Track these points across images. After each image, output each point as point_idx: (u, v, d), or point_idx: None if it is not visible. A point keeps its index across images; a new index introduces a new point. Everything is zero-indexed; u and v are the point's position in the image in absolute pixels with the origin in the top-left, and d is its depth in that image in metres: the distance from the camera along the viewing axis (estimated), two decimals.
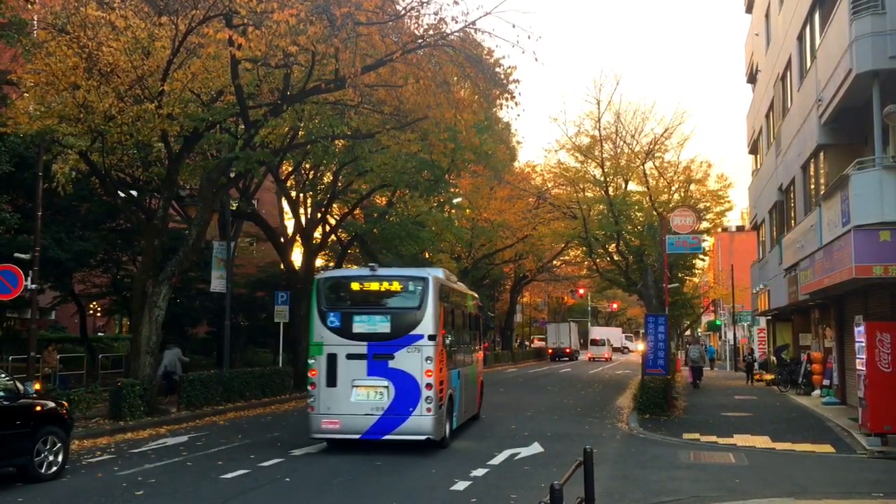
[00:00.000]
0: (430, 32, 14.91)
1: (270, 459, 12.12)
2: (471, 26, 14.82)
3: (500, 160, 34.70)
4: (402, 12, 14.98)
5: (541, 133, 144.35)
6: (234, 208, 25.28)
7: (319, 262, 32.08)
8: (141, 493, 9.75)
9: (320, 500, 9.57)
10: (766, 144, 29.25)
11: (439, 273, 14.45)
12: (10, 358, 22.02)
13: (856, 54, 15.01)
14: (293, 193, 28.12)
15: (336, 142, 21.60)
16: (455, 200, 35.96)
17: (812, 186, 20.80)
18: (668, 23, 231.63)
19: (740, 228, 56.71)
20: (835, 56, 16.56)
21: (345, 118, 19.02)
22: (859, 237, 14.24)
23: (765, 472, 11.52)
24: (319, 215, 28.15)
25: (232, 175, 20.31)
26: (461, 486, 10.27)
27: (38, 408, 10.93)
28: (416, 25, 15.10)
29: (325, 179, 28.23)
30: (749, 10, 33.85)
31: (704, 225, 31.79)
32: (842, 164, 16.68)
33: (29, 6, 18.53)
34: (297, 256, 29.13)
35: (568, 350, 59.85)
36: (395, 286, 13.51)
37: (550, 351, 60.03)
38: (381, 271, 13.93)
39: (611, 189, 29.21)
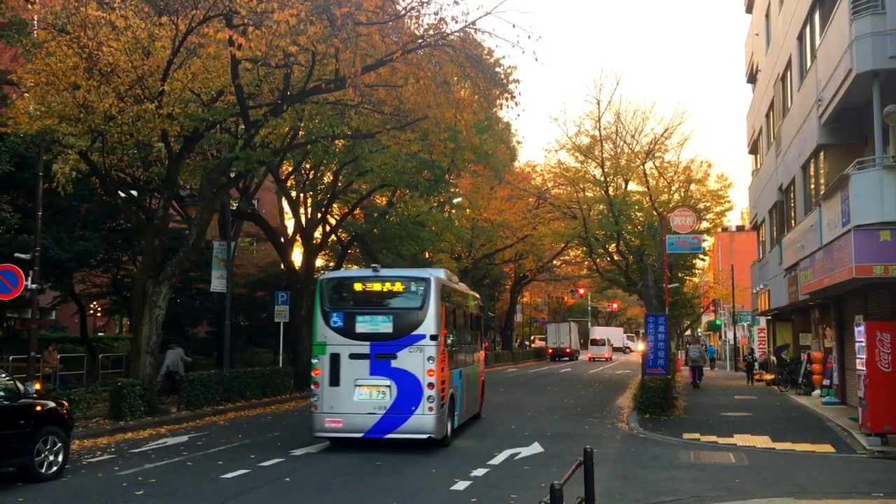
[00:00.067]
0: (431, 32, 14.92)
1: (271, 459, 12.13)
2: (471, 26, 14.83)
3: (500, 160, 34.69)
4: (403, 12, 14.99)
5: (541, 133, 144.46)
6: (234, 208, 25.30)
7: (319, 262, 32.11)
8: (141, 492, 9.76)
9: (320, 500, 9.57)
10: (766, 144, 29.25)
11: (441, 273, 14.53)
12: (11, 358, 22.03)
13: (856, 54, 15.01)
14: (293, 193, 28.13)
15: (336, 142, 21.60)
16: (455, 200, 35.97)
17: (812, 186, 20.80)
18: (668, 23, 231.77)
19: (740, 228, 56.71)
20: (835, 56, 16.56)
21: (345, 118, 19.02)
22: (859, 237, 14.24)
23: (765, 472, 11.52)
24: (319, 215, 28.16)
25: (232, 175, 20.32)
26: (461, 485, 10.28)
27: (39, 408, 10.93)
28: (416, 25, 15.11)
29: (326, 179, 28.24)
30: (749, 10, 33.85)
31: (704, 225, 31.80)
32: (842, 164, 16.68)
33: (29, 6, 18.53)
34: (297, 256, 29.15)
35: (568, 350, 59.85)
36: (398, 287, 13.63)
37: (550, 351, 60.03)
38: (384, 272, 14.04)
39: (611, 189, 29.21)
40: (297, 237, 28.22)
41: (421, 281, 13.46)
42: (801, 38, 21.68)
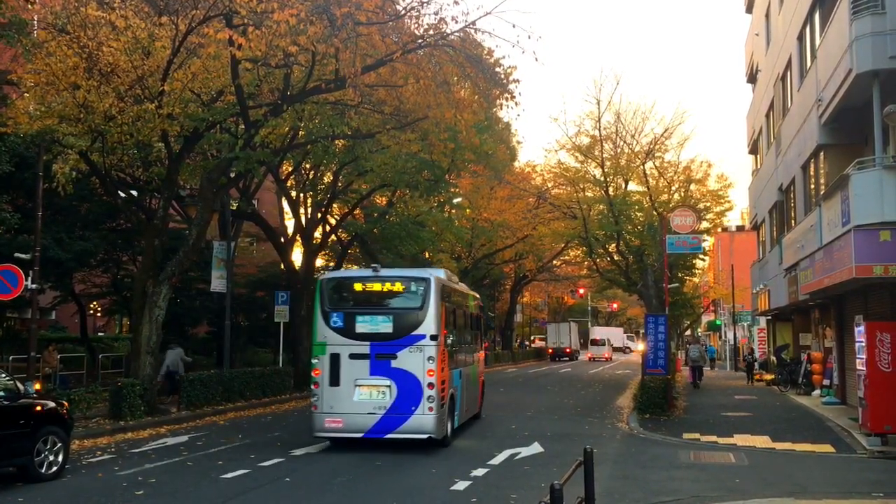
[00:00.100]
0: (431, 32, 14.92)
1: (271, 459, 12.13)
2: (471, 26, 14.83)
3: (500, 160, 34.69)
4: (403, 12, 14.99)
5: (541, 133, 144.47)
6: (234, 208, 25.29)
7: (319, 262, 32.11)
8: (141, 492, 9.76)
9: (321, 500, 9.57)
10: (766, 144, 29.25)
11: (441, 274, 14.55)
12: (11, 358, 22.03)
13: (856, 54, 15.01)
14: (293, 193, 28.13)
15: (336, 142, 21.60)
16: (455, 200, 35.97)
17: (812, 186, 20.80)
18: (668, 23, 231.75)
19: (740, 228, 56.71)
20: (835, 56, 16.56)
21: (345, 118, 19.02)
22: (859, 237, 14.24)
23: (765, 472, 11.52)
24: (319, 215, 28.16)
25: (232, 175, 20.32)
26: (461, 485, 10.28)
27: (39, 408, 10.93)
28: (416, 25, 15.11)
29: (326, 179, 28.24)
30: (749, 10, 33.84)
31: (704, 225, 31.80)
32: (842, 164, 16.69)
33: (29, 6, 18.52)
34: (297, 256, 29.15)
35: (568, 350, 59.85)
36: (398, 287, 13.65)
37: (550, 351, 60.03)
38: (384, 272, 14.05)
39: (611, 189, 29.20)
40: (297, 237, 28.22)
41: (421, 281, 13.48)
42: (801, 38, 21.68)
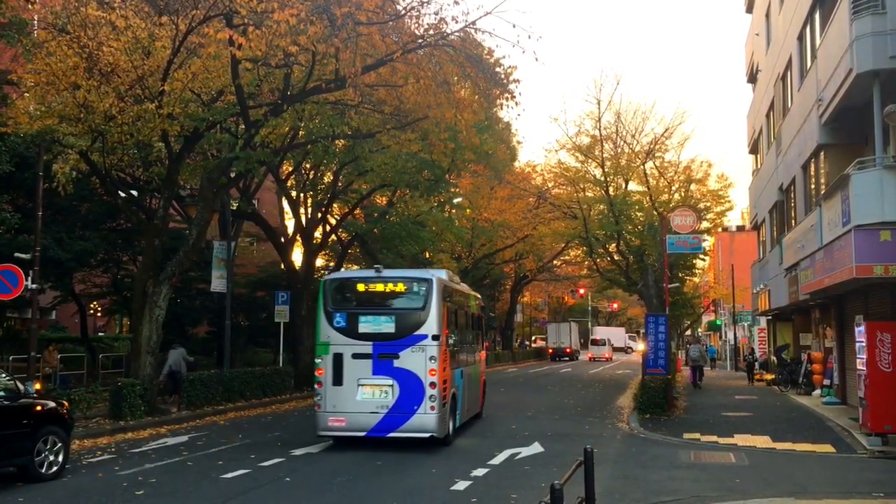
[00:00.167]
0: (431, 32, 14.92)
1: (271, 459, 12.13)
2: (471, 26, 14.83)
3: (500, 160, 34.68)
4: (403, 12, 14.99)
5: (541, 133, 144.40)
6: (234, 208, 25.30)
7: (320, 262, 32.10)
8: (141, 492, 9.76)
9: (321, 500, 9.57)
10: (767, 144, 29.25)
11: (443, 274, 14.69)
12: (11, 358, 22.03)
13: (856, 54, 15.01)
14: (293, 193, 28.13)
15: (336, 141, 21.60)
16: (455, 200, 35.96)
17: (812, 186, 20.80)
18: (668, 23, 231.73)
19: (740, 228, 56.71)
20: (835, 56, 16.56)
21: (345, 118, 19.02)
22: (860, 237, 14.23)
23: (765, 472, 11.51)
24: (320, 215, 28.16)
25: (232, 175, 20.32)
26: (462, 485, 10.27)
27: (39, 408, 10.93)
28: (416, 25, 15.12)
29: (326, 179, 28.24)
30: (749, 9, 33.84)
31: (705, 225, 31.78)
32: (842, 164, 16.68)
33: (29, 6, 18.51)
34: (297, 256, 29.15)
35: (568, 350, 59.85)
36: (400, 287, 13.77)
37: (551, 351, 60.03)
38: (386, 273, 14.16)
39: (611, 189, 29.19)
40: (298, 237, 28.22)
41: (423, 282, 13.61)
42: (801, 37, 21.67)
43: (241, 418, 18.10)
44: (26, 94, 17.98)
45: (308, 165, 26.94)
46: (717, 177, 32.12)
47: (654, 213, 27.74)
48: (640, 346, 49.84)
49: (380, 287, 13.77)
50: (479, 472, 11.21)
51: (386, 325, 13.28)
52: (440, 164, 23.49)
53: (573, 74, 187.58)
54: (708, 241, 36.05)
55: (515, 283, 53.20)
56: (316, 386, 13.44)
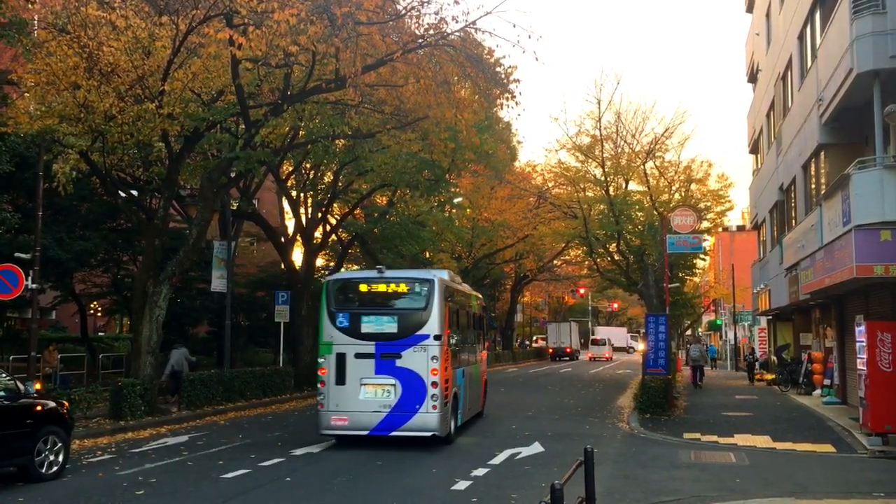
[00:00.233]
0: (431, 32, 14.92)
1: (271, 459, 12.13)
2: (471, 26, 14.83)
3: (500, 160, 34.69)
4: (403, 12, 14.99)
5: (541, 133, 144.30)
6: (234, 208, 25.30)
7: (320, 261, 32.11)
8: (142, 492, 9.76)
9: (321, 500, 9.56)
10: (767, 144, 29.25)
11: (444, 275, 14.79)
12: (11, 358, 22.03)
13: (856, 54, 15.00)
14: (294, 193, 28.13)
15: (336, 141, 21.60)
16: (455, 200, 35.96)
17: (813, 186, 20.79)
18: (668, 23, 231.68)
19: (741, 228, 56.69)
20: (835, 55, 16.55)
21: (345, 118, 19.02)
22: (860, 237, 14.23)
23: (765, 472, 11.51)
24: (320, 215, 28.15)
25: (232, 175, 20.32)
26: (462, 485, 10.27)
27: (39, 407, 10.93)
28: (416, 25, 15.12)
29: (326, 179, 28.24)
30: (750, 9, 33.83)
31: (705, 224, 31.76)
32: (842, 164, 16.68)
33: (29, 6, 18.52)
34: (297, 256, 29.15)
35: (569, 350, 59.86)
36: (402, 288, 13.86)
37: (551, 351, 60.04)
38: (389, 273, 14.25)
39: (611, 189, 29.19)
40: (298, 237, 28.23)
41: (425, 282, 13.70)
42: (801, 37, 21.67)
43: (241, 418, 18.10)
44: (26, 94, 17.98)
45: (308, 165, 26.94)
46: (717, 177, 32.14)
47: (655, 212, 27.73)
48: (642, 346, 49.85)
49: (382, 287, 13.86)
50: (480, 471, 11.21)
51: (388, 325, 13.40)
52: (440, 164, 23.49)
53: (573, 74, 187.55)
54: (708, 241, 36.04)
55: (516, 283, 53.21)
56: (319, 385, 13.54)
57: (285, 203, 29.68)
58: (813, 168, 20.69)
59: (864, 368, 13.53)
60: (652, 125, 30.84)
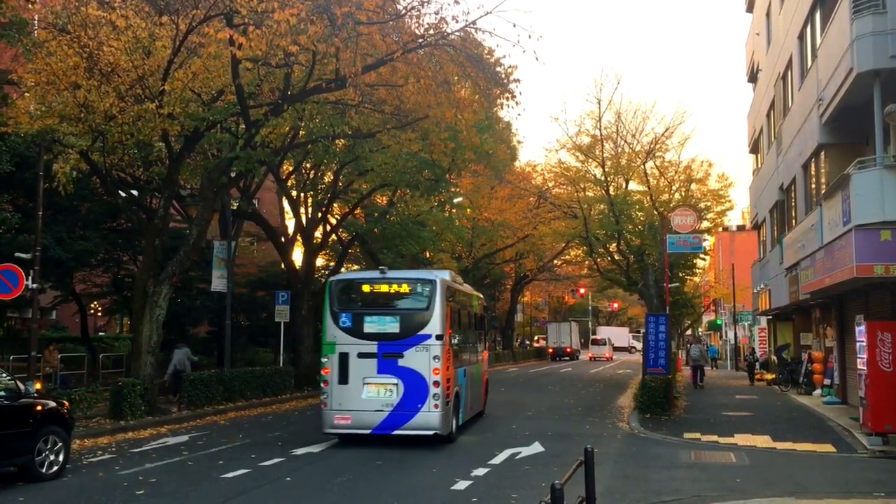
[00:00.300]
0: (431, 32, 14.92)
1: (271, 459, 12.14)
2: (471, 26, 14.83)
3: (500, 160, 34.70)
4: (403, 12, 14.99)
5: (541, 132, 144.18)
6: (234, 208, 25.29)
7: (320, 261, 32.11)
8: (142, 492, 9.76)
9: (321, 500, 9.56)
10: (767, 144, 29.24)
11: (446, 275, 14.92)
12: (11, 357, 22.02)
13: (857, 53, 15.01)
14: (294, 193, 28.14)
15: (337, 141, 21.61)
16: (456, 200, 35.96)
17: (813, 186, 20.79)
18: (668, 23, 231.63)
19: (741, 228, 56.69)
20: (836, 55, 16.55)
21: (345, 118, 19.03)
22: (860, 236, 14.23)
23: (766, 472, 11.51)
24: (320, 215, 28.16)
25: (232, 175, 20.31)
26: (462, 485, 10.27)
27: (39, 407, 10.93)
28: (416, 25, 15.12)
29: (326, 179, 28.25)
30: (750, 9, 33.83)
31: (705, 224, 31.78)
32: (843, 164, 16.68)
33: (29, 6, 18.50)
34: (297, 256, 29.16)
35: (569, 349, 59.85)
36: (405, 288, 13.98)
37: (551, 350, 60.03)
38: (391, 274, 14.39)
39: (611, 188, 29.21)
40: (298, 237, 28.23)
41: (427, 282, 13.82)
42: (801, 37, 21.67)
43: (241, 418, 18.10)
44: (27, 94, 17.97)
45: (308, 165, 26.95)
46: (717, 176, 32.16)
47: (655, 212, 27.75)
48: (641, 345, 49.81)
49: (384, 288, 13.96)
50: (480, 471, 11.21)
51: (391, 325, 13.52)
52: (440, 164, 23.49)
53: (573, 74, 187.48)
54: (708, 241, 36.04)
55: (516, 283, 53.22)
56: (322, 385, 13.64)
57: (285, 203, 29.68)
58: (813, 168, 20.69)
59: (865, 368, 13.53)
60: (652, 125, 30.85)
